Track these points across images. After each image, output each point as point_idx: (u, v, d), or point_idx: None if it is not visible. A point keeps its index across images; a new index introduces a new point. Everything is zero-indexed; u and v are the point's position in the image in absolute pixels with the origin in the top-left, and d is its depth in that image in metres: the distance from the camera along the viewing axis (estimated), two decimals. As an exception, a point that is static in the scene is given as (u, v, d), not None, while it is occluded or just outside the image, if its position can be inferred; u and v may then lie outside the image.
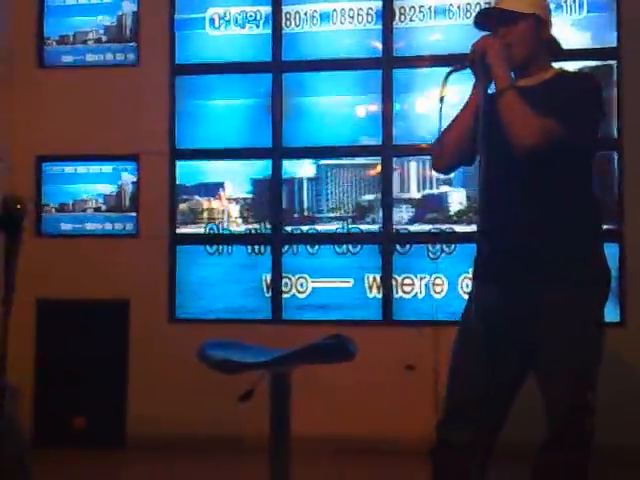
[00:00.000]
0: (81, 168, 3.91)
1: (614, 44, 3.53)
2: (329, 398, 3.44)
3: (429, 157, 3.56)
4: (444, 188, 3.69)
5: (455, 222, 3.59)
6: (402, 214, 3.68)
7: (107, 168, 3.90)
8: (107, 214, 3.89)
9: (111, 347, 3.73)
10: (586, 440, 1.88)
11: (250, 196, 3.87)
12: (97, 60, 3.92)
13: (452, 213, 3.64)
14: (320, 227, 3.74)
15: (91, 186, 3.91)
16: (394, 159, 3.71)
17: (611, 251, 3.26)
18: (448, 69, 1.92)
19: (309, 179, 3.80)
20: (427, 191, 3.71)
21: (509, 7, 1.94)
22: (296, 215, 3.80)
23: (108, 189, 3.90)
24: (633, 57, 3.47)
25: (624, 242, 3.43)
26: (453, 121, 2.02)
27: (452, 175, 3.58)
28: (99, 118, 3.82)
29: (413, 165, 3.74)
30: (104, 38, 3.92)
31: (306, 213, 3.80)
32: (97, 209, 3.90)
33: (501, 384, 1.93)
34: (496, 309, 1.90)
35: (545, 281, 1.88)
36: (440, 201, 3.69)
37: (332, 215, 3.75)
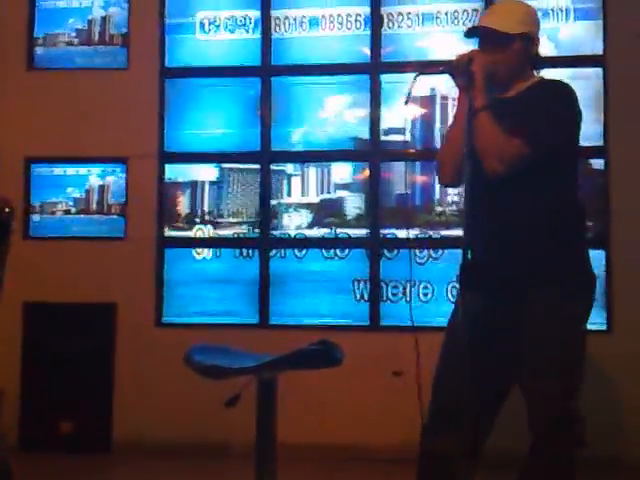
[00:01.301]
0: (70, 170, 3.90)
1: (600, 52, 3.57)
2: (316, 404, 3.45)
3: (329, 163, 3.70)
4: (342, 193, 3.74)
5: (352, 226, 3.68)
6: (302, 218, 3.73)
7: (96, 170, 3.88)
8: (94, 217, 3.88)
9: (97, 351, 3.71)
10: (571, 449, 1.89)
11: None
12: (87, 63, 3.91)
13: (349, 218, 3.71)
14: (221, 232, 3.76)
15: (79, 188, 3.89)
16: (293, 165, 3.77)
17: (598, 258, 3.31)
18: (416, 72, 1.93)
19: (211, 183, 3.81)
20: (325, 195, 3.75)
21: (499, 27, 1.92)
22: (197, 219, 3.80)
23: (96, 192, 3.89)
24: (619, 65, 3.51)
25: (610, 249, 3.46)
26: (446, 135, 2.03)
27: (350, 180, 3.70)
28: (89, 121, 3.81)
29: (312, 171, 3.78)
30: (93, 41, 3.92)
31: (207, 217, 3.81)
32: (84, 211, 3.89)
33: (488, 390, 1.94)
34: (482, 314, 1.91)
35: (529, 287, 1.90)
36: (338, 206, 3.74)
37: (233, 220, 3.76)
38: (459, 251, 1.93)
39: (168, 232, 3.84)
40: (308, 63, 3.78)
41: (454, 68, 1.93)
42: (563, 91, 1.97)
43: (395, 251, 3.66)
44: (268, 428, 1.90)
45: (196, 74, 3.89)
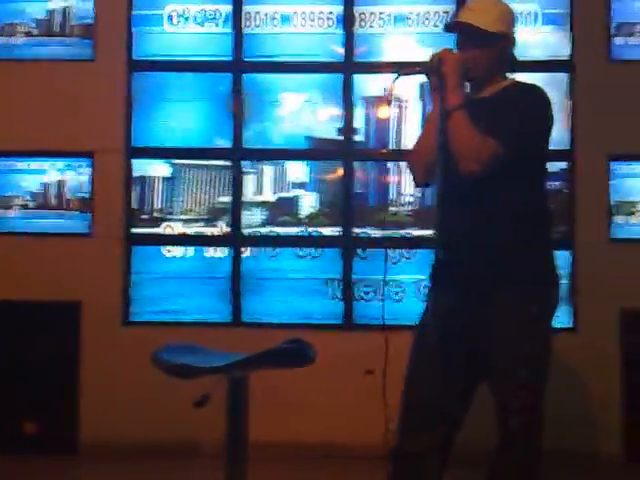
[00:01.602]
0: (33, 164, 3.80)
1: (568, 57, 3.61)
2: (288, 403, 3.43)
3: (284, 162, 3.69)
4: (297, 192, 3.75)
5: (306, 224, 3.68)
6: (256, 216, 3.72)
7: (60, 165, 3.80)
8: (59, 212, 3.79)
9: (62, 350, 3.63)
10: (535, 443, 1.92)
11: None
12: (51, 54, 3.81)
13: (303, 216, 3.71)
14: (189, 229, 3.73)
15: (42, 183, 3.80)
16: (246, 162, 3.73)
17: (563, 258, 3.37)
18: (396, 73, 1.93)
19: (165, 179, 3.78)
20: (280, 194, 3.76)
21: (477, 23, 1.93)
22: (146, 216, 3.77)
23: (60, 187, 3.80)
24: (586, 69, 3.56)
25: (576, 249, 3.53)
26: (420, 134, 2.03)
27: (307, 179, 3.70)
28: (53, 114, 3.72)
29: (268, 169, 3.78)
30: (54, 32, 3.82)
31: (156, 214, 3.78)
32: (47, 207, 3.80)
33: (457, 387, 1.96)
34: (450, 313, 1.93)
35: (494, 289, 1.92)
36: (292, 204, 3.74)
37: (184, 217, 3.74)
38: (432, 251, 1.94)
39: (135, 229, 3.77)
40: (279, 60, 3.75)
41: (428, 69, 1.93)
42: (536, 94, 1.99)
43: (368, 250, 3.66)
44: (238, 427, 1.90)
45: (164, 67, 3.83)
